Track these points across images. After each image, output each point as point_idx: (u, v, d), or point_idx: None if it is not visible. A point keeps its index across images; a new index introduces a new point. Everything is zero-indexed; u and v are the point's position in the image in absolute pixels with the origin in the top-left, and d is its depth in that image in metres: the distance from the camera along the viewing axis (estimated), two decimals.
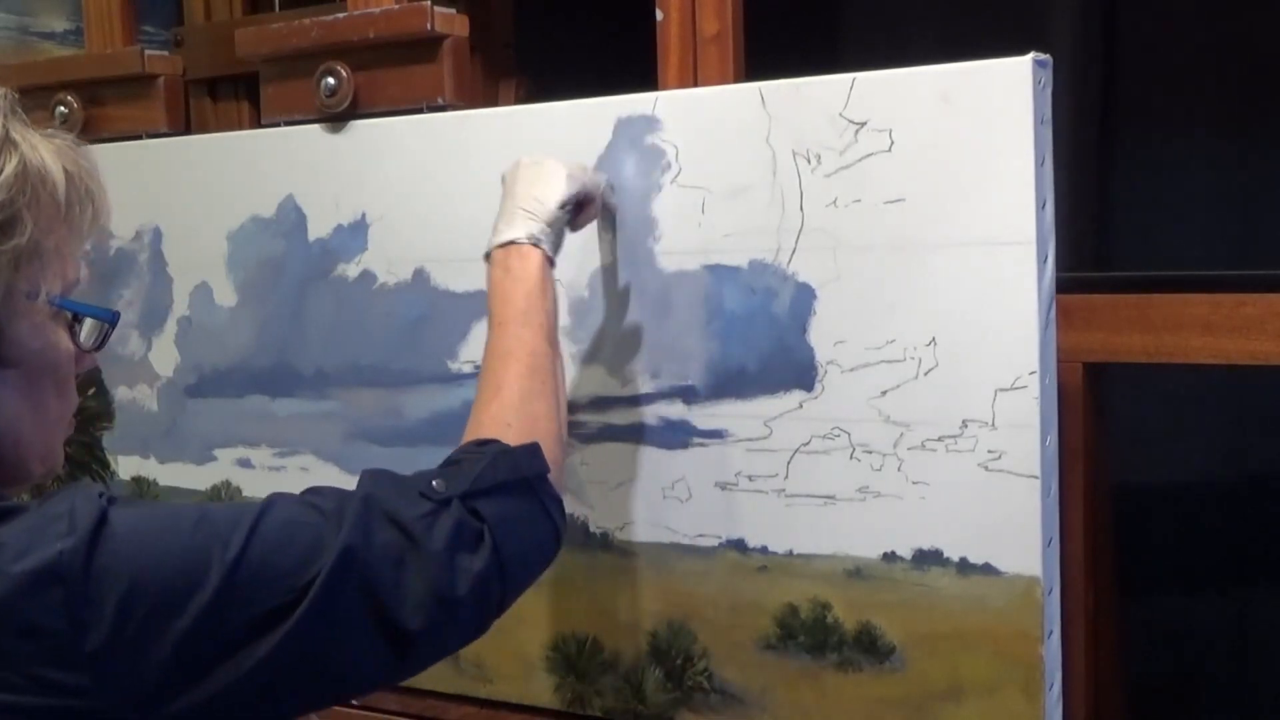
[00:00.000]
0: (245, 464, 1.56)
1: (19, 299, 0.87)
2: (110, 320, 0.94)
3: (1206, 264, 1.51)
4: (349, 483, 1.45)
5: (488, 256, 1.17)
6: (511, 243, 1.16)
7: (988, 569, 1.13)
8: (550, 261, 1.16)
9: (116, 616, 0.80)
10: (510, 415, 1.06)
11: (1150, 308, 1.16)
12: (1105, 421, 1.27)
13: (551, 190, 1.18)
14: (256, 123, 1.57)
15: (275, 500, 0.91)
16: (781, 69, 1.21)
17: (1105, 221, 1.61)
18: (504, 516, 0.97)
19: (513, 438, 1.04)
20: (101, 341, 0.94)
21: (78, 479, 1.64)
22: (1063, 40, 1.56)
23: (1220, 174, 1.57)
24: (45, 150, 0.89)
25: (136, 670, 0.80)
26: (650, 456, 1.28)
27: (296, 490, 1.49)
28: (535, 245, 1.15)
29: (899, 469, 1.16)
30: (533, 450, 1.03)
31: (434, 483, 0.95)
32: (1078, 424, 1.18)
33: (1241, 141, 1.56)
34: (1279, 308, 1.11)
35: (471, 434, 1.06)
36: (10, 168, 0.86)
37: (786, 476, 1.22)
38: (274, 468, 1.54)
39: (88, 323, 0.93)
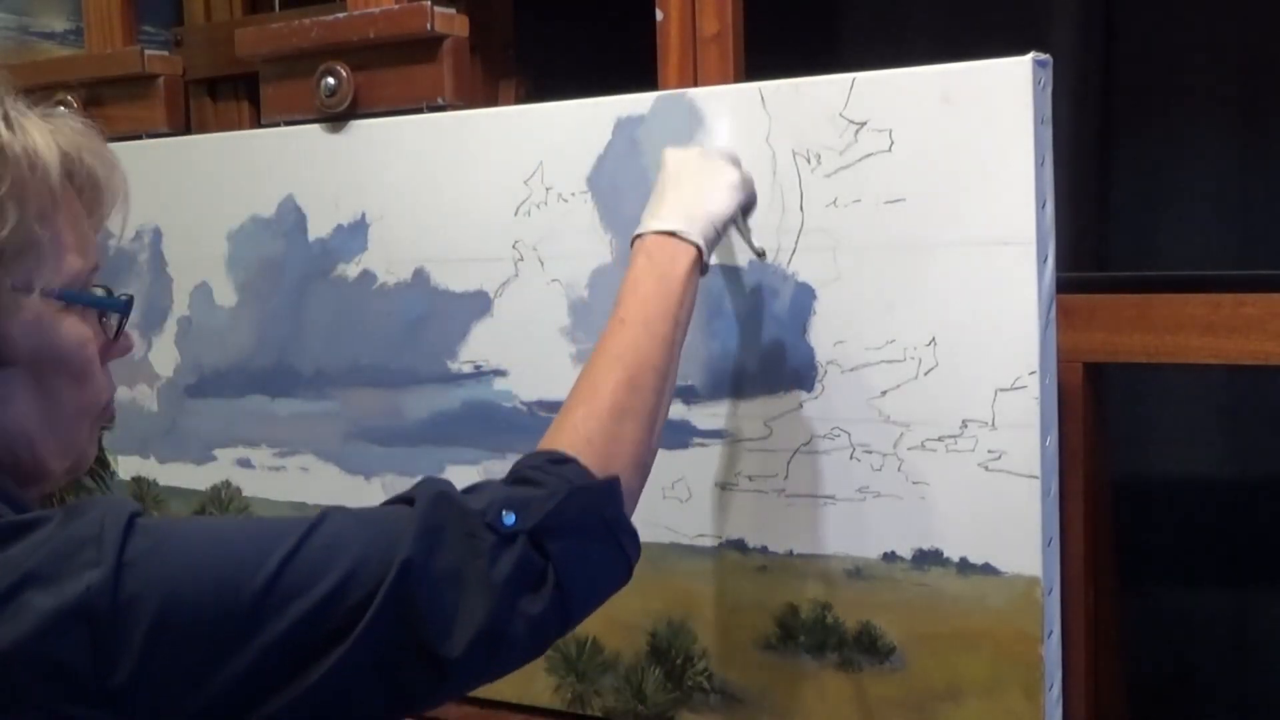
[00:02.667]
0: (245, 464, 1.56)
1: (9, 294, 0.82)
2: (119, 309, 0.89)
3: (1206, 264, 1.52)
4: (350, 482, 1.48)
5: (636, 239, 1.08)
6: (672, 234, 1.07)
7: (988, 569, 1.13)
8: (703, 269, 1.08)
9: (144, 651, 0.75)
10: (596, 430, 0.96)
11: (1150, 308, 1.16)
12: (1105, 421, 1.27)
13: (727, 199, 1.12)
14: (256, 123, 1.57)
15: (326, 515, 0.83)
16: (781, 68, 1.21)
17: (1105, 221, 1.61)
18: (573, 557, 0.88)
19: (592, 459, 0.94)
20: (119, 328, 0.90)
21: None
22: (1063, 40, 1.56)
23: (1220, 174, 1.57)
24: (39, 134, 0.84)
25: (164, 705, 0.75)
26: None
27: (296, 489, 1.52)
28: (695, 246, 1.07)
29: (899, 469, 1.16)
30: (611, 488, 0.93)
31: (502, 514, 0.86)
32: (1078, 424, 1.18)
33: (1241, 142, 1.56)
34: (1279, 308, 1.11)
35: (552, 436, 0.96)
36: None
37: (786, 476, 1.22)
38: (274, 468, 1.54)
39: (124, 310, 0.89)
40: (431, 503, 0.85)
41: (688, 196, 1.10)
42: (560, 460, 0.92)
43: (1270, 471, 1.58)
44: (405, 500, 0.87)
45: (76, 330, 0.86)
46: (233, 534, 0.82)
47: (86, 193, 0.88)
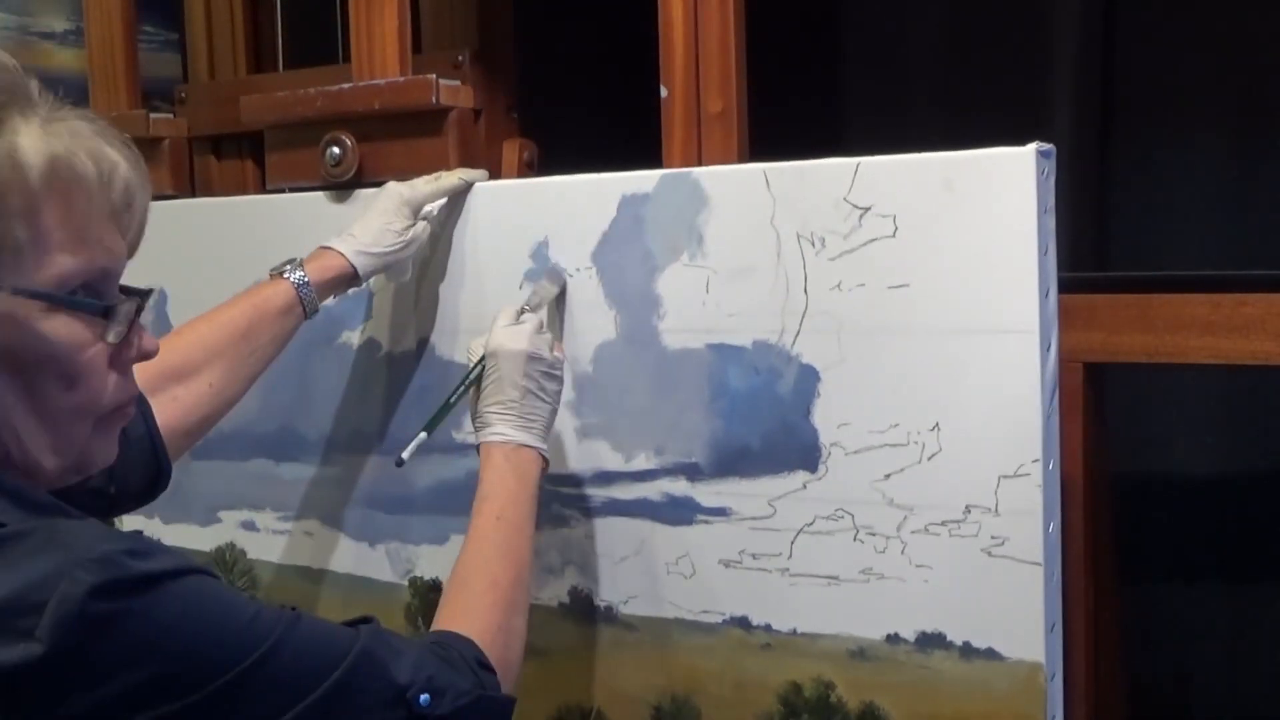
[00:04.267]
0: (250, 526, 1.57)
1: None
2: (97, 311, 0.85)
3: (1206, 264, 1.52)
4: (354, 548, 1.48)
5: (486, 445, 1.20)
6: (524, 446, 1.20)
7: (990, 654, 1.14)
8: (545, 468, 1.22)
9: None
10: (499, 622, 1.07)
11: (1150, 308, 1.17)
12: (1105, 421, 1.27)
13: (544, 392, 1.22)
14: (262, 181, 1.58)
15: (277, 644, 0.85)
16: (786, 145, 1.22)
17: (1105, 221, 1.61)
18: None
19: (496, 655, 1.03)
20: (130, 330, 0.87)
21: None
22: (1064, 41, 1.57)
23: (1220, 174, 1.56)
24: (26, 135, 0.82)
25: None
26: (654, 532, 1.29)
27: (300, 553, 1.52)
28: (544, 458, 1.21)
29: (902, 552, 1.17)
30: (508, 708, 1.02)
31: (420, 696, 0.92)
32: (1077, 424, 1.18)
33: (1241, 142, 1.55)
34: (1279, 308, 1.12)
35: (463, 615, 1.06)
36: None
37: (790, 556, 1.22)
38: (279, 531, 1.54)
39: (119, 312, 0.86)
40: (358, 660, 0.89)
41: (527, 404, 1.20)
42: (483, 665, 1.00)
43: (1270, 471, 1.58)
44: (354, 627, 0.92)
45: (65, 330, 0.83)
46: (182, 638, 0.80)
47: (74, 195, 0.84)
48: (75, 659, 0.75)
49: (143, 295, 0.89)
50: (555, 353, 1.24)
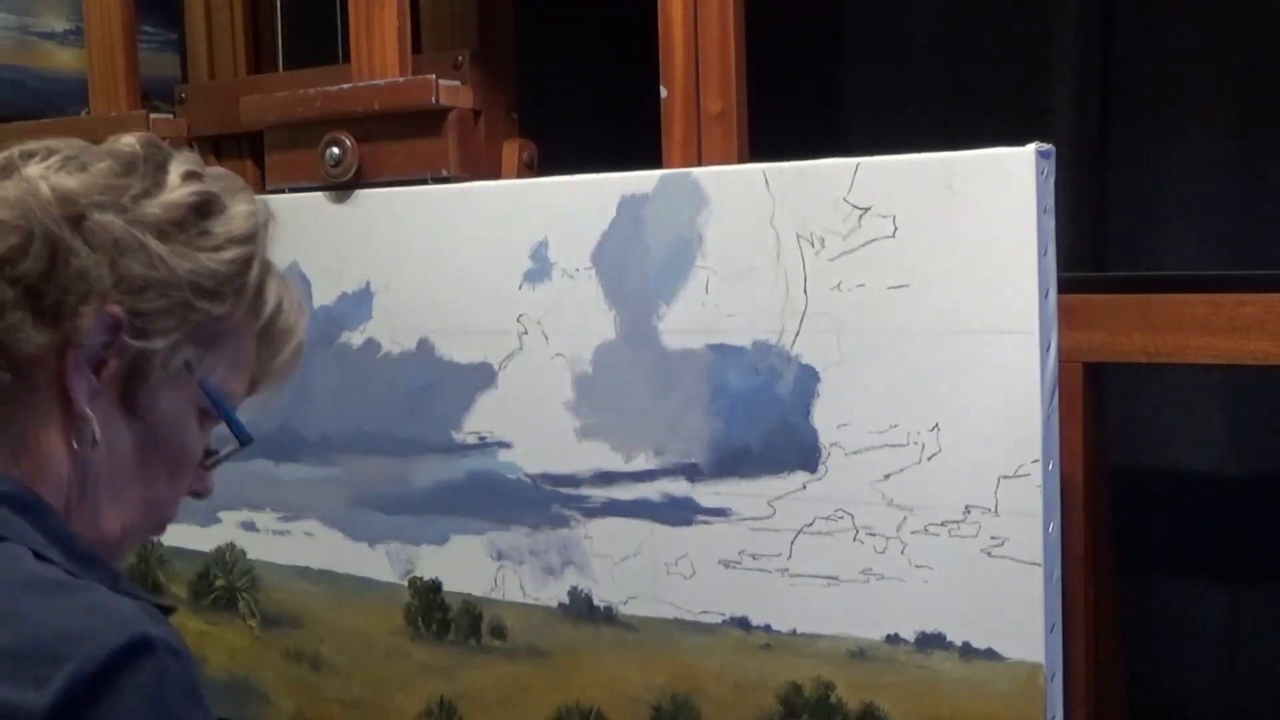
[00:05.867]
0: (250, 527, 1.56)
1: (178, 360, 0.85)
2: (243, 440, 0.90)
3: (1206, 264, 1.52)
4: (354, 548, 1.48)
5: None
6: None
7: (990, 654, 1.14)
8: None
9: None
10: None
11: (1150, 308, 1.17)
12: (1105, 421, 1.27)
13: None
14: (261, 181, 1.58)
15: None
16: (785, 145, 1.22)
17: (1105, 221, 1.61)
18: None
19: None
20: (219, 460, 0.93)
21: None
22: (1064, 41, 1.57)
23: (1220, 174, 1.56)
24: (274, 280, 0.92)
25: None
26: (654, 532, 1.29)
27: (300, 554, 1.52)
28: None
29: (902, 552, 1.17)
30: None
31: None
32: (1077, 424, 1.18)
33: (1241, 141, 1.55)
34: (1279, 308, 1.12)
35: None
36: (246, 226, 0.89)
37: (790, 556, 1.22)
38: (279, 531, 1.54)
39: (217, 435, 0.90)
40: None
41: None
42: None
43: (1271, 471, 1.58)
44: None
45: (198, 435, 0.89)
46: None
47: (278, 331, 0.94)
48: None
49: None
50: None
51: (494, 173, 1.45)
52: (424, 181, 1.42)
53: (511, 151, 1.50)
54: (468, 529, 1.40)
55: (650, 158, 1.32)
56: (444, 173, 1.40)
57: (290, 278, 0.97)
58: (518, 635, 1.38)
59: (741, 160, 1.29)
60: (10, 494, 0.81)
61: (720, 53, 1.29)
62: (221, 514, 1.58)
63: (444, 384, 1.40)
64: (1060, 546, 1.13)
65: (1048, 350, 1.11)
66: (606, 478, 1.31)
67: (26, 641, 0.74)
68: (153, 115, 1.61)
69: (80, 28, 1.80)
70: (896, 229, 1.15)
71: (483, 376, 1.37)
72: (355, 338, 1.46)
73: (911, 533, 1.16)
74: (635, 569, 1.30)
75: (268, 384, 0.96)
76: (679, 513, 1.27)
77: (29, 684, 0.72)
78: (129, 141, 0.87)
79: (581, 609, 1.33)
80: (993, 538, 1.12)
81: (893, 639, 1.18)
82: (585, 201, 1.30)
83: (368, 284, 1.44)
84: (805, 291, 1.19)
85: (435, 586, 1.42)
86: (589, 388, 1.31)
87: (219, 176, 0.91)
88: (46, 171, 0.84)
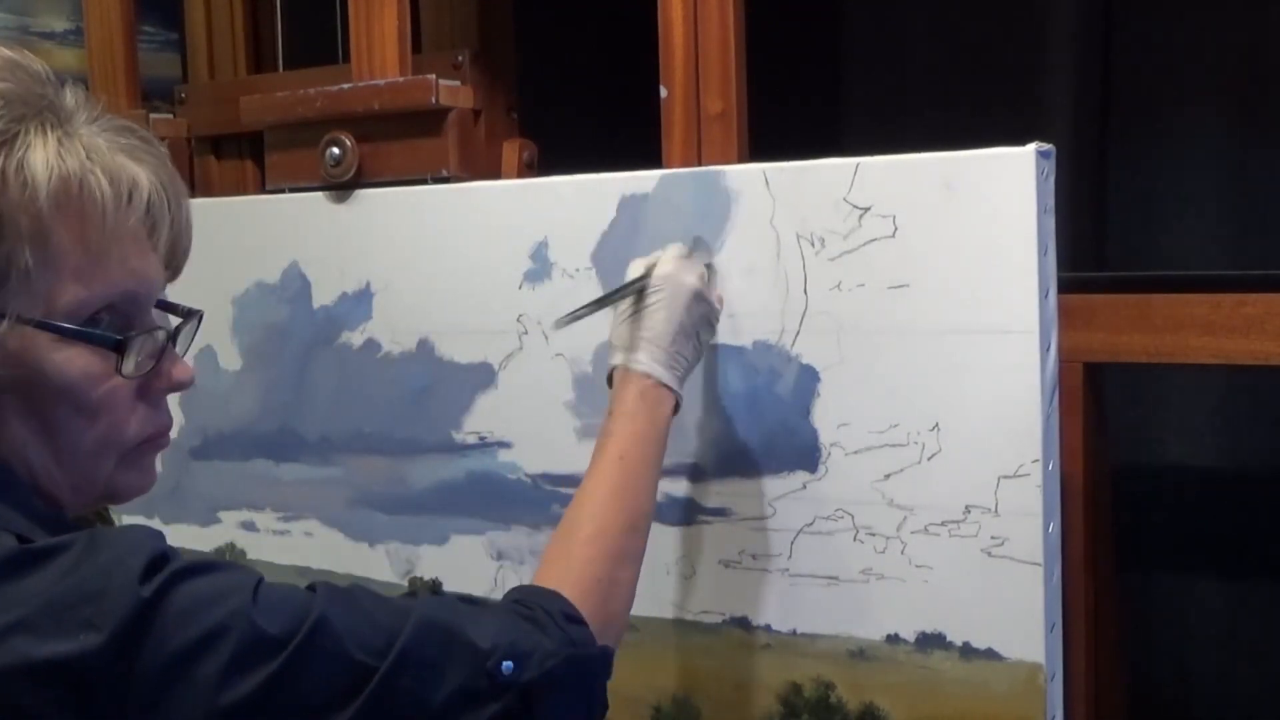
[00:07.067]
0: (249, 527, 1.57)
1: None
2: (108, 344, 0.81)
3: (1206, 264, 1.52)
4: (353, 548, 1.48)
5: (610, 377, 1.13)
6: (663, 385, 1.11)
7: (990, 654, 1.14)
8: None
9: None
10: (604, 574, 1.00)
11: (1150, 308, 1.17)
12: (1105, 421, 1.27)
13: (705, 343, 1.17)
14: (262, 181, 1.58)
15: (326, 612, 0.79)
16: (785, 145, 1.22)
17: (1105, 221, 1.61)
18: (551, 718, 0.90)
19: (596, 605, 0.96)
20: (160, 359, 0.84)
21: None
22: (1063, 40, 1.57)
23: (1220, 174, 1.56)
24: (37, 152, 0.78)
25: None
26: (655, 532, 1.28)
27: (300, 554, 1.52)
28: (678, 397, 1.12)
29: (902, 552, 1.17)
30: (605, 660, 0.96)
31: (503, 662, 0.85)
32: (1077, 424, 1.18)
33: (1241, 141, 1.55)
34: (1279, 308, 1.12)
35: (561, 570, 0.99)
36: None
37: (790, 556, 1.22)
38: (279, 531, 1.54)
39: (137, 344, 0.82)
40: (418, 630, 0.83)
41: (679, 342, 1.13)
42: (571, 619, 0.93)
43: (1271, 471, 1.58)
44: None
45: (79, 363, 0.80)
46: (237, 615, 0.76)
47: (89, 218, 0.80)
48: (137, 647, 0.73)
49: (181, 320, 0.86)
50: (717, 303, 1.20)
51: (494, 173, 1.45)
52: (424, 181, 1.42)
53: (511, 151, 1.50)
54: (468, 529, 1.40)
55: (650, 158, 1.32)
56: (444, 173, 1.40)
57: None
58: None
59: (741, 160, 1.29)
60: None
61: (720, 53, 1.29)
62: (221, 514, 1.58)
63: (444, 384, 1.40)
64: (1060, 546, 1.13)
65: (1048, 350, 1.11)
66: None
67: (42, 606, 0.73)
68: (153, 115, 1.60)
69: (80, 28, 1.80)
70: (896, 229, 1.15)
71: (483, 376, 1.38)
72: (355, 338, 1.46)
73: (912, 532, 1.16)
74: None
75: (167, 247, 0.84)
76: (679, 512, 1.27)
77: (76, 629, 0.72)
78: None
79: None
80: (993, 538, 1.12)
81: (893, 639, 1.18)
82: (585, 201, 1.30)
83: (368, 284, 1.44)
84: (805, 291, 1.19)
85: (435, 586, 1.43)
86: (589, 388, 1.31)
87: None
88: None
